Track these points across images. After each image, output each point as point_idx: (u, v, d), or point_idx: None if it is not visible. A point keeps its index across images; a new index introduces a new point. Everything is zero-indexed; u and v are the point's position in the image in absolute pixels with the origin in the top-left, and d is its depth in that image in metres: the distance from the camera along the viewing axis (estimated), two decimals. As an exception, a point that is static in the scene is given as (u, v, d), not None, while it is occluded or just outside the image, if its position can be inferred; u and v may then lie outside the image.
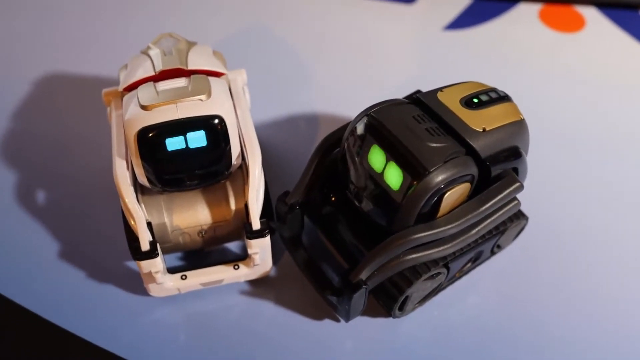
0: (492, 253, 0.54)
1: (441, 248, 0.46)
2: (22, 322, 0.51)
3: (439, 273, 0.49)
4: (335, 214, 0.51)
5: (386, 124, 0.45)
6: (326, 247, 0.54)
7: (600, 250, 0.56)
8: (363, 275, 0.46)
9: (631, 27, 0.74)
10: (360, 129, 0.46)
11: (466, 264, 0.52)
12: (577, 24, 0.74)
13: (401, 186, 0.44)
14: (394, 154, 0.44)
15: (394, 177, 0.44)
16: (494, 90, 0.51)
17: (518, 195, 0.48)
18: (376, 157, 0.45)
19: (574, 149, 0.63)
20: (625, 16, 0.75)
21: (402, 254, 0.46)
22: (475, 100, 0.49)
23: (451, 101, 0.48)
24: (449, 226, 0.45)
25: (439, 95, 0.49)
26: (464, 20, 0.74)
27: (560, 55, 0.71)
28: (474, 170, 0.46)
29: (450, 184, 0.44)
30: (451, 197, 0.45)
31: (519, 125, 0.49)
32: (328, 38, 0.73)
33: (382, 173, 0.45)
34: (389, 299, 0.48)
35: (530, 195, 0.52)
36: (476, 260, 0.53)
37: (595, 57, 0.72)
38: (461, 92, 0.50)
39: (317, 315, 0.51)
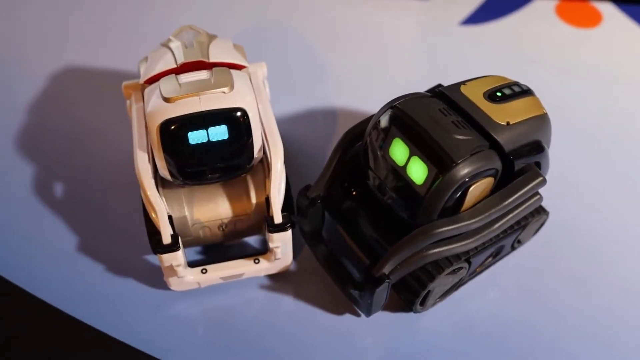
0: (513, 248, 0.54)
1: (464, 242, 0.46)
2: (41, 316, 0.51)
3: (461, 268, 0.49)
4: (356, 208, 0.51)
5: (412, 115, 0.45)
6: (346, 242, 0.54)
7: (620, 246, 0.55)
8: (386, 270, 0.45)
9: (649, 22, 0.74)
10: (384, 120, 0.46)
11: (487, 258, 0.52)
12: (594, 19, 0.74)
13: (425, 179, 0.44)
14: (420, 145, 0.44)
15: (417, 170, 0.44)
16: (516, 84, 0.51)
17: (539, 190, 0.48)
18: (399, 150, 0.45)
19: (592, 145, 0.62)
20: (642, 12, 0.75)
21: (425, 248, 0.45)
22: (499, 93, 0.49)
23: (475, 95, 0.48)
24: (473, 220, 0.45)
25: (462, 88, 0.49)
26: (480, 16, 0.74)
27: (577, 51, 0.71)
28: (498, 164, 0.45)
29: (475, 177, 0.44)
30: (475, 191, 0.45)
31: (542, 119, 0.49)
32: (344, 33, 0.73)
33: (405, 166, 0.45)
34: (410, 294, 0.48)
35: (550, 190, 0.52)
36: (497, 255, 0.52)
37: (612, 53, 0.71)
38: (484, 86, 0.49)
39: (337, 310, 0.51)
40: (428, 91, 0.51)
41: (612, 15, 0.75)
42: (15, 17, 0.74)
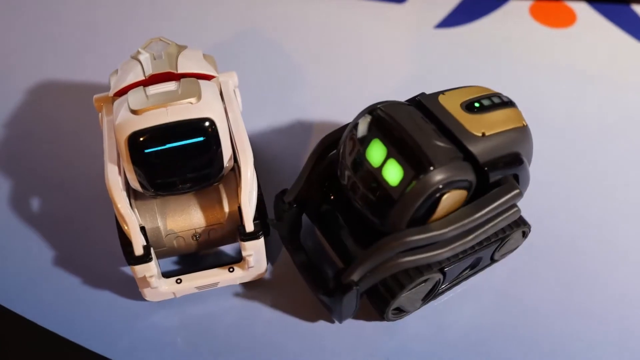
0: (493, 260, 0.53)
1: (435, 253, 0.46)
2: (18, 330, 0.51)
3: (434, 278, 0.49)
4: (333, 212, 0.51)
5: (395, 117, 0.45)
6: (324, 246, 0.54)
7: (602, 251, 0.55)
8: (355, 277, 0.45)
9: (623, 21, 0.74)
10: (365, 121, 0.46)
11: (464, 270, 0.51)
12: (569, 19, 0.75)
13: (400, 182, 0.44)
14: (399, 147, 0.44)
15: (393, 172, 0.44)
16: (497, 95, 0.50)
17: (520, 202, 0.48)
18: (376, 151, 0.45)
19: (567, 145, 0.63)
20: (616, 10, 0.75)
21: (395, 257, 0.45)
22: (477, 104, 0.49)
23: (452, 105, 0.48)
24: (444, 230, 0.45)
25: (440, 98, 0.49)
26: (455, 19, 0.74)
27: (553, 51, 0.71)
28: (471, 177, 0.45)
29: (449, 185, 0.44)
30: (447, 201, 0.45)
31: (521, 132, 0.49)
32: (320, 40, 0.73)
33: (381, 168, 0.45)
34: (381, 302, 0.48)
35: (529, 197, 0.52)
36: (475, 267, 0.52)
37: (587, 52, 0.72)
38: (463, 96, 0.49)
39: (315, 316, 0.51)
40: (408, 100, 0.51)
41: (587, 14, 0.75)
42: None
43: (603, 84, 0.68)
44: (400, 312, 0.50)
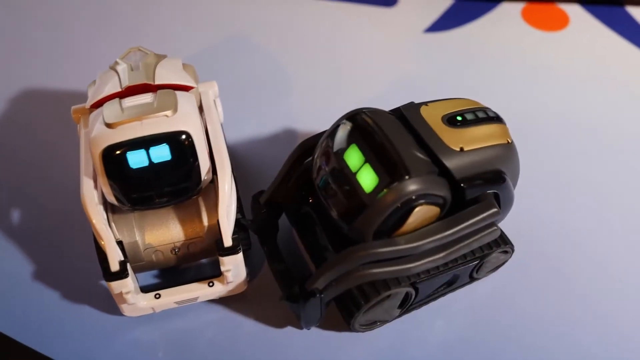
0: (472, 279, 0.52)
1: (403, 267, 0.45)
2: (-5, 346, 0.50)
3: (403, 292, 0.47)
4: (310, 216, 0.50)
5: (377, 123, 0.44)
6: (301, 251, 0.53)
7: (590, 254, 0.54)
8: (319, 285, 0.45)
9: (616, 23, 0.73)
10: (346, 125, 0.45)
11: (441, 286, 0.50)
12: (561, 22, 0.73)
13: (374, 188, 0.43)
14: (378, 152, 0.43)
15: (368, 177, 0.43)
16: (484, 109, 0.49)
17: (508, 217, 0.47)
18: (353, 155, 0.44)
19: (559, 149, 0.62)
20: (609, 13, 0.74)
21: (360, 268, 0.44)
22: (459, 118, 0.47)
23: (433, 117, 0.47)
24: (412, 245, 0.44)
25: (422, 109, 0.48)
26: (445, 23, 0.73)
27: (545, 55, 0.70)
28: (446, 193, 0.44)
29: (422, 197, 0.43)
30: (418, 215, 0.44)
31: (505, 149, 0.47)
32: (307, 44, 0.72)
33: (356, 172, 0.43)
34: (347, 313, 0.47)
35: (517, 209, 0.51)
36: (452, 284, 0.51)
37: (580, 55, 0.70)
38: (447, 108, 0.48)
39: (297, 331, 0.50)
40: (391, 110, 0.49)
41: (580, 17, 0.74)
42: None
43: (597, 87, 0.67)
44: (373, 323, 0.49)
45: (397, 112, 0.48)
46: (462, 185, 0.44)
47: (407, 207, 0.43)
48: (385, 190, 0.42)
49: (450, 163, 0.44)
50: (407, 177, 0.42)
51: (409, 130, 0.46)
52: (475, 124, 0.47)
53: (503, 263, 0.52)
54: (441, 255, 0.45)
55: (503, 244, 0.49)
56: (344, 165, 0.44)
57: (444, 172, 0.44)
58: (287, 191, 0.50)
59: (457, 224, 0.44)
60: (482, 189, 0.45)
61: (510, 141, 0.48)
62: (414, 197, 0.43)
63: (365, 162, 0.43)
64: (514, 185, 0.49)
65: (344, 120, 0.46)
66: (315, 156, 0.47)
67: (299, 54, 0.71)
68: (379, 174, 0.43)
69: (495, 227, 0.46)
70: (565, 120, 0.64)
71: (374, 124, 0.44)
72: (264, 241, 0.51)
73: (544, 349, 0.49)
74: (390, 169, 0.42)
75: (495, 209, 0.45)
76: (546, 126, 0.63)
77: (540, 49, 0.71)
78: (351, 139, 0.44)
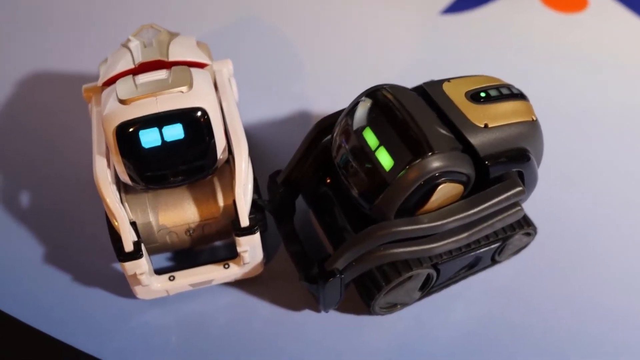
0: (494, 262, 0.50)
1: (426, 247, 0.43)
2: (5, 329, 0.49)
3: (425, 274, 0.46)
4: (329, 197, 0.49)
5: (399, 99, 0.43)
6: (319, 232, 0.52)
7: (612, 242, 0.53)
8: (339, 265, 0.44)
9: (635, 5, 0.71)
10: (367, 101, 0.44)
11: (462, 268, 0.49)
12: (580, 3, 0.72)
13: (395, 165, 0.41)
14: (399, 129, 0.42)
15: (388, 155, 0.42)
16: (507, 86, 0.48)
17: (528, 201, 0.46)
18: (374, 133, 0.43)
19: (579, 136, 0.60)
20: (629, -6, 0.73)
21: (382, 247, 0.43)
22: (483, 94, 0.46)
23: (456, 93, 0.46)
24: (435, 224, 0.43)
25: (445, 85, 0.46)
26: (462, 4, 0.72)
27: (564, 37, 0.69)
28: (470, 170, 0.43)
29: (446, 174, 0.42)
30: (442, 193, 0.42)
31: (529, 126, 0.46)
32: (321, 26, 0.71)
33: (376, 149, 0.42)
34: (367, 295, 0.46)
35: (538, 192, 0.50)
36: (474, 267, 0.50)
37: (600, 37, 0.69)
38: (469, 85, 0.47)
39: (315, 315, 0.49)
40: (412, 88, 0.48)
41: (599, -2, 0.72)
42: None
43: (616, 69, 0.66)
44: (394, 305, 0.48)
45: (419, 89, 0.47)
46: (486, 162, 0.43)
47: (431, 185, 0.41)
48: (407, 167, 0.41)
49: (475, 139, 0.43)
50: (430, 153, 0.41)
51: (432, 107, 0.45)
52: (499, 101, 0.46)
53: (525, 246, 0.51)
54: (464, 235, 0.44)
55: (526, 225, 0.48)
56: (363, 143, 0.43)
57: (468, 149, 0.43)
58: (305, 171, 0.49)
59: (481, 203, 0.43)
60: (506, 167, 0.44)
61: (535, 119, 0.46)
62: (437, 174, 0.41)
63: (386, 139, 0.42)
64: (538, 164, 0.48)
65: (364, 97, 0.45)
66: (335, 134, 0.46)
67: (312, 35, 0.70)
68: (400, 150, 0.41)
69: (520, 207, 0.45)
70: (584, 105, 0.63)
71: (395, 100, 0.43)
72: (281, 222, 0.50)
73: (566, 333, 0.48)
74: (412, 145, 0.41)
75: (520, 188, 0.44)
76: (564, 111, 0.62)
77: (559, 31, 0.70)
78: (371, 116, 0.43)
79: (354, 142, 0.43)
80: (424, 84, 0.47)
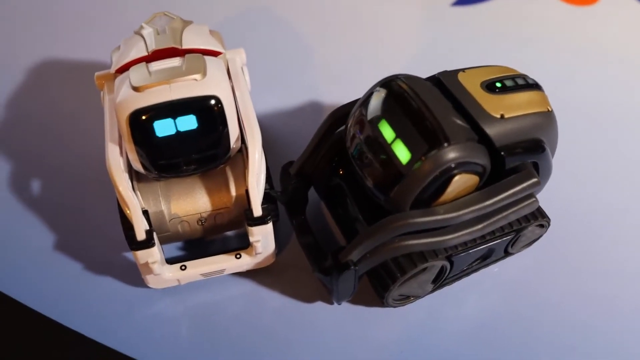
0: (507, 254, 0.50)
1: (441, 238, 0.43)
2: (15, 316, 0.49)
3: (439, 266, 0.46)
4: (341, 188, 0.49)
5: (414, 89, 0.43)
6: (331, 224, 0.52)
7: (620, 232, 0.53)
8: (353, 257, 0.43)
9: (649, -2, 0.71)
10: (382, 91, 0.44)
11: (475, 260, 0.49)
12: (592, -4, 0.71)
13: (412, 157, 0.41)
14: (414, 119, 0.41)
15: (404, 146, 0.41)
16: (522, 76, 0.48)
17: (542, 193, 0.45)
18: (389, 124, 0.42)
19: (593, 130, 0.60)
20: (642, -13, 0.72)
21: (397, 239, 0.43)
22: (499, 84, 0.46)
23: (471, 83, 0.45)
24: (451, 215, 0.42)
25: (460, 75, 0.46)
26: (473, -4, 0.71)
27: (576, 30, 0.68)
28: (486, 161, 0.42)
29: (462, 165, 0.41)
30: (457, 184, 0.42)
31: (545, 117, 0.45)
32: (332, 17, 0.70)
33: (393, 141, 0.42)
34: (381, 286, 0.46)
35: (552, 185, 0.49)
36: (487, 259, 0.49)
37: (612, 29, 0.69)
38: (484, 75, 0.46)
39: (326, 306, 0.49)
40: (427, 78, 0.47)
41: (611, -9, 0.72)
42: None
43: (629, 63, 0.65)
44: (406, 298, 0.48)
45: (434, 79, 0.46)
46: (502, 153, 0.43)
47: (447, 176, 0.41)
48: (423, 158, 0.41)
49: (491, 130, 0.43)
50: (446, 144, 0.40)
51: (447, 97, 0.44)
52: (515, 91, 0.46)
53: (538, 237, 0.51)
54: (479, 226, 0.44)
55: (540, 217, 0.48)
56: (378, 134, 0.42)
57: (484, 140, 0.43)
58: (318, 162, 0.49)
59: (497, 194, 0.43)
60: (521, 157, 0.44)
61: (550, 109, 0.46)
62: (453, 166, 0.41)
63: (402, 130, 0.42)
64: (552, 154, 0.47)
65: (378, 88, 0.44)
66: (349, 125, 0.45)
67: (323, 26, 0.69)
68: (416, 141, 0.41)
69: (534, 199, 0.45)
70: (597, 99, 0.62)
71: (410, 90, 0.43)
72: (293, 213, 0.49)
73: (580, 325, 0.48)
74: (428, 136, 0.41)
75: (535, 179, 0.43)
76: (577, 105, 0.61)
77: (571, 24, 0.69)
78: (386, 106, 0.43)
79: (368, 133, 0.43)
80: (439, 73, 0.47)
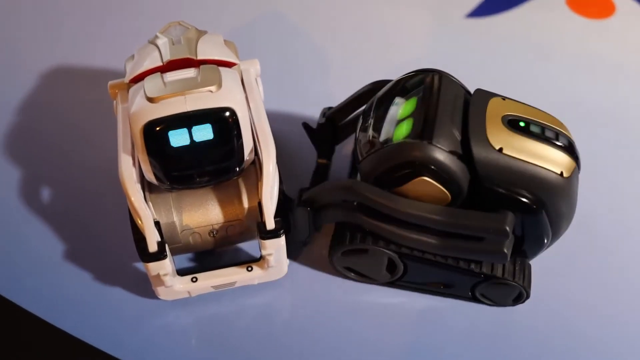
0: (475, 297, 0.48)
1: (387, 227, 0.44)
2: (25, 326, 0.49)
3: (388, 258, 0.47)
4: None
5: (442, 86, 0.44)
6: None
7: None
8: (309, 198, 0.46)
9: (664, 12, 0.70)
10: (417, 77, 0.46)
11: (437, 281, 0.48)
12: (607, 9, 0.71)
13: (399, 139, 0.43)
14: (424, 110, 0.43)
15: (402, 130, 0.43)
16: (557, 132, 0.43)
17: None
18: (406, 107, 0.44)
19: (605, 143, 0.59)
20: (657, 1, 0.72)
21: (350, 205, 0.45)
22: (522, 124, 0.43)
23: (496, 111, 0.43)
24: (400, 207, 0.43)
25: (492, 100, 0.44)
26: (487, 8, 0.71)
27: (591, 43, 0.68)
28: (460, 180, 0.42)
29: (431, 169, 0.41)
30: (420, 186, 0.42)
31: (553, 179, 0.42)
32: (345, 27, 0.70)
33: (398, 123, 0.44)
34: (330, 246, 0.48)
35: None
36: (450, 287, 0.48)
37: (627, 44, 0.68)
38: (518, 111, 0.43)
39: (337, 320, 0.49)
40: (477, 90, 0.46)
41: (626, 4, 0.72)
42: (5, 16, 0.71)
43: (643, 78, 0.65)
44: (362, 275, 0.49)
45: (474, 94, 0.45)
46: (482, 182, 0.42)
47: (410, 170, 0.42)
48: (399, 142, 0.42)
49: (479, 153, 0.41)
50: (425, 141, 0.41)
51: (464, 111, 0.44)
52: (536, 139, 0.42)
53: (509, 305, 0.48)
54: (431, 240, 0.44)
55: (511, 280, 0.46)
56: (389, 107, 0.45)
57: (470, 164, 0.42)
58: (344, 120, 0.54)
59: (454, 216, 0.42)
60: (505, 201, 0.42)
61: (565, 175, 0.42)
62: (419, 162, 0.41)
63: (408, 117, 0.43)
64: (556, 227, 0.44)
65: (413, 73, 0.47)
66: (378, 94, 0.48)
67: (335, 36, 0.69)
68: (411, 129, 0.43)
69: (501, 251, 0.42)
70: (610, 113, 0.62)
71: (437, 86, 0.44)
72: (319, 151, 0.55)
73: (584, 338, 0.48)
74: (419, 128, 0.42)
75: (504, 228, 0.41)
76: (589, 118, 0.61)
77: (585, 37, 0.69)
78: (408, 91, 0.45)
79: (385, 104, 0.46)
80: (478, 89, 0.45)
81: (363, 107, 0.50)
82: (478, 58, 0.67)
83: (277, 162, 0.47)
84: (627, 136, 0.60)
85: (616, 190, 0.56)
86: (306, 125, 0.56)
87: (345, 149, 0.57)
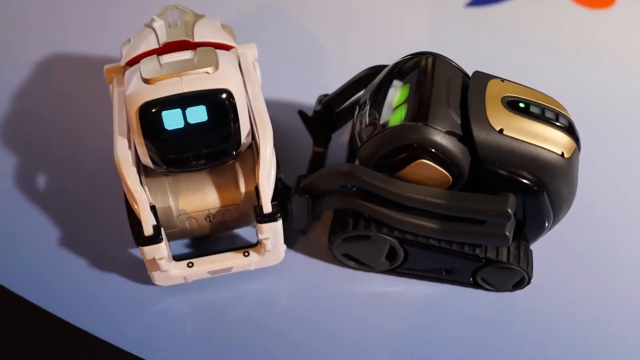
0: (476, 283, 0.48)
1: (388, 212, 0.44)
2: (21, 314, 0.48)
3: (389, 245, 0.46)
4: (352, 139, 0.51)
5: (436, 69, 0.44)
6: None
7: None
8: (306, 184, 0.45)
9: (666, 2, 0.70)
10: (414, 60, 0.45)
11: (438, 268, 0.48)
12: (608, -1, 0.71)
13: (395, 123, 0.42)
14: (418, 93, 0.42)
15: (399, 114, 0.43)
16: (557, 112, 0.43)
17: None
18: (401, 93, 0.44)
19: (606, 134, 0.59)
20: (659, -10, 0.71)
21: (350, 191, 0.44)
22: (522, 105, 0.42)
23: (495, 93, 0.43)
24: (400, 191, 0.42)
25: (491, 82, 0.44)
26: (487, -3, 0.70)
27: (591, 33, 0.68)
28: (460, 162, 0.41)
29: (430, 151, 0.41)
30: (420, 169, 0.42)
31: (555, 159, 0.41)
32: (344, 15, 0.70)
33: (396, 108, 0.43)
34: (329, 232, 0.48)
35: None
36: (451, 273, 0.48)
37: (628, 34, 0.68)
38: (518, 92, 0.43)
39: (334, 307, 0.48)
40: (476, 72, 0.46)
41: (627, -6, 0.71)
42: (2, 2, 0.71)
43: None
44: (362, 263, 0.49)
45: (472, 76, 0.45)
46: (483, 164, 0.41)
47: (409, 153, 0.41)
48: (396, 126, 0.42)
49: (479, 134, 0.41)
50: (420, 123, 0.41)
51: (463, 93, 0.43)
52: (536, 120, 0.42)
53: (519, 286, 0.48)
54: (432, 225, 0.43)
55: (515, 265, 0.45)
56: (386, 93, 0.44)
57: (471, 145, 0.41)
58: (340, 107, 0.53)
59: (455, 198, 0.41)
60: (506, 183, 0.41)
61: (563, 154, 0.42)
62: (414, 145, 0.41)
63: (403, 102, 0.43)
64: (557, 208, 0.44)
65: (409, 56, 0.46)
66: (375, 80, 0.47)
67: (333, 25, 0.69)
68: (406, 112, 0.42)
69: (504, 234, 0.42)
70: (611, 103, 0.61)
71: (431, 68, 0.44)
72: (315, 138, 0.54)
73: (589, 328, 0.48)
74: (416, 110, 0.42)
75: (506, 209, 0.41)
76: (590, 106, 0.61)
77: (586, 27, 0.68)
78: (404, 75, 0.45)
79: (383, 88, 0.45)
80: (476, 71, 0.45)
81: (360, 93, 0.50)
82: (478, 47, 0.66)
83: (275, 147, 0.47)
84: (627, 125, 0.60)
85: (617, 177, 0.56)
86: (302, 113, 0.55)
87: (341, 138, 0.57)
